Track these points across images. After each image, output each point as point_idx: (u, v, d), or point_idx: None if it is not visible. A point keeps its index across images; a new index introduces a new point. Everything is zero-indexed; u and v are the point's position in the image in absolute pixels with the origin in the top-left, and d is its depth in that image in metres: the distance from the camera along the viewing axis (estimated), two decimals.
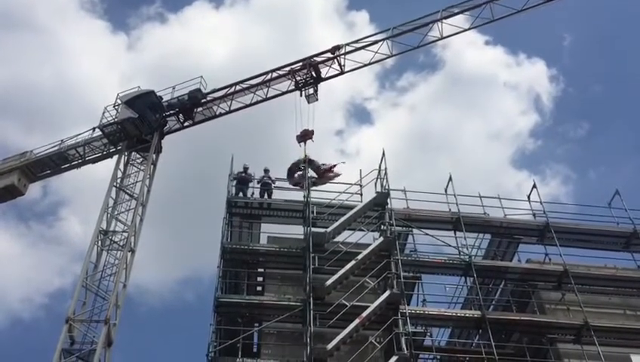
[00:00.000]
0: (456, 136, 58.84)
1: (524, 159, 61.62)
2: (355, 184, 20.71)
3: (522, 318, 18.72)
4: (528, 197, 22.16)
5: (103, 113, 22.57)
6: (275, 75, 23.41)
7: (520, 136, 63.54)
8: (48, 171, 23.39)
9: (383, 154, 20.94)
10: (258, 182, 21.16)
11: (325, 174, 21.69)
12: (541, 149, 62.91)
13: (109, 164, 22.56)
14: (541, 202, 21.68)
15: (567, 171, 63.16)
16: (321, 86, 23.76)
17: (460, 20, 24.05)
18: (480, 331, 18.58)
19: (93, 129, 22.74)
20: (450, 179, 21.42)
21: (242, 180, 21.12)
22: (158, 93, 23.05)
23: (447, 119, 59.33)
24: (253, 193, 21.10)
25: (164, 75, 50.06)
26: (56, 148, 22.86)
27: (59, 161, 23.09)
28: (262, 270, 19.99)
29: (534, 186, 22.21)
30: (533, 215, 21.58)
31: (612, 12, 55.25)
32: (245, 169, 21.35)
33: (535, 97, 63.98)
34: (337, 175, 21.83)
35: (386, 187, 20.22)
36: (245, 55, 55.89)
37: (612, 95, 59.88)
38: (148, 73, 54.88)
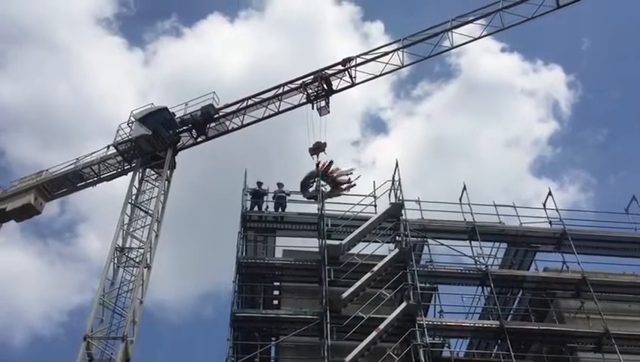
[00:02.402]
0: (474, 144, 58.69)
1: (544, 167, 61.21)
2: (369, 195, 20.70)
3: (541, 328, 18.53)
4: (544, 204, 21.98)
5: (117, 131, 22.84)
6: (286, 88, 23.52)
7: (538, 143, 63.08)
8: (64, 190, 23.65)
9: (397, 164, 20.99)
10: (273, 197, 21.19)
11: (340, 186, 21.66)
12: (560, 156, 62.53)
13: (126, 180, 22.78)
14: (557, 209, 21.52)
15: (587, 178, 62.64)
16: (334, 98, 23.86)
17: (471, 29, 24.05)
18: (499, 341, 18.42)
19: (108, 147, 23.00)
20: (465, 188, 21.34)
21: (257, 194, 21.15)
22: (171, 110, 23.24)
23: (464, 127, 59.14)
24: (267, 207, 21.13)
25: (181, 89, 50.59)
26: (71, 166, 23.13)
27: (74, 180, 23.33)
28: (278, 284, 19.96)
29: (550, 194, 22.04)
30: (550, 223, 21.38)
31: (629, 16, 54.62)
32: (259, 184, 21.38)
33: (553, 104, 63.65)
34: (352, 185, 21.82)
35: (400, 198, 20.17)
36: (261, 67, 56.26)
37: (631, 100, 59.22)
38: (164, 87, 55.47)
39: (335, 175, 21.67)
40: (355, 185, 21.87)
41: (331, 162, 21.87)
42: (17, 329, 53.78)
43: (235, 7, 79.85)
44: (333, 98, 23.79)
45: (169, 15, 72.97)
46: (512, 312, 20.89)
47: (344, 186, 21.75)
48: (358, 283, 17.45)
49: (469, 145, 58.44)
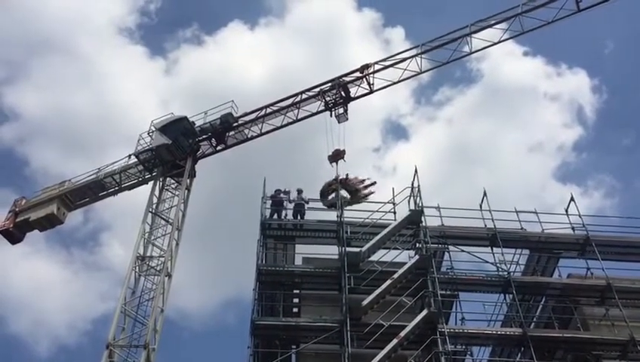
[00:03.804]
0: (496, 150, 58.06)
1: (569, 172, 60.31)
2: (388, 202, 20.57)
3: (565, 335, 18.25)
4: (566, 210, 21.66)
5: (138, 140, 23.10)
6: (304, 96, 23.57)
7: (563, 148, 62.22)
8: (86, 199, 23.94)
9: (416, 171, 20.85)
10: (291, 203, 21.20)
11: (359, 193, 21.62)
12: (585, 162, 61.60)
13: (148, 188, 22.95)
14: (580, 215, 21.21)
15: (613, 183, 61.59)
16: (354, 104, 23.87)
17: (491, 34, 23.85)
18: (522, 349, 18.17)
19: (129, 156, 23.25)
20: (485, 194, 21.13)
21: (277, 202, 21.18)
22: (190, 119, 23.43)
23: (486, 132, 58.55)
24: (286, 214, 21.14)
25: (202, 97, 50.81)
26: (93, 176, 23.40)
27: (96, 189, 23.61)
28: (298, 291, 19.93)
29: (572, 199, 21.73)
30: (573, 228, 21.06)
31: None
32: (279, 192, 21.41)
33: (577, 109, 62.81)
34: (371, 193, 21.78)
35: (420, 204, 20.05)
36: (282, 74, 56.35)
37: None
38: (185, 96, 55.84)
39: (354, 183, 21.63)
40: (374, 192, 21.85)
41: (347, 175, 21.88)
42: (43, 337, 54.48)
43: (255, 14, 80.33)
44: (352, 105, 23.82)
45: (190, 23, 73.50)
46: (535, 319, 20.59)
47: (365, 193, 21.69)
48: (379, 290, 17.36)
49: (491, 151, 57.93)
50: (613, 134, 62.47)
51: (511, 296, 19.10)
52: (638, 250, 21.06)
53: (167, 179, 22.91)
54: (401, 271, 17.90)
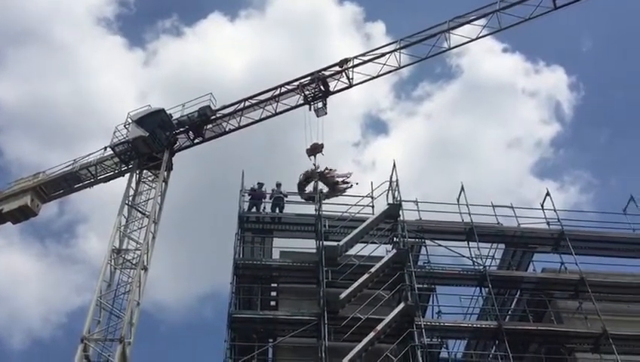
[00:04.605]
0: (475, 145, 58.42)
1: (546, 168, 60.93)
2: (366, 196, 20.66)
3: (539, 328, 18.51)
4: (542, 205, 21.95)
5: (114, 132, 22.78)
6: (283, 89, 23.47)
7: (541, 144, 62.77)
8: (61, 191, 23.56)
9: (394, 165, 20.96)
10: (270, 197, 21.16)
11: (337, 186, 21.65)
12: (562, 158, 62.32)
13: (125, 180, 22.67)
14: (555, 210, 21.50)
15: (589, 178, 62.44)
16: (334, 99, 23.85)
17: (470, 30, 23.98)
18: (497, 342, 18.39)
19: (105, 148, 22.94)
20: (463, 188, 21.35)
21: (255, 195, 21.12)
22: (168, 111, 23.20)
23: (465, 128, 58.74)
24: (265, 208, 21.10)
25: (181, 89, 50.27)
26: (68, 168, 23.04)
27: (71, 181, 23.24)
28: (275, 285, 19.93)
29: (548, 194, 22.03)
30: (548, 223, 21.36)
31: (630, 16, 54.09)
32: (260, 185, 21.35)
33: (555, 105, 63.47)
34: (349, 186, 21.81)
35: (398, 198, 20.15)
36: (262, 67, 55.89)
37: (633, 100, 58.76)
38: (165, 87, 55.24)
39: (330, 176, 21.64)
40: (351, 186, 21.88)
41: (329, 168, 21.90)
42: (16, 331, 53.73)
43: (236, 6, 79.81)
44: (332, 99, 23.80)
45: (169, 14, 72.98)
46: (509, 313, 20.87)
47: (342, 187, 21.73)
48: (356, 284, 17.42)
49: (470, 146, 58.18)
50: (590, 131, 63.32)
51: (486, 289, 19.33)
52: (610, 245, 21.42)
53: (144, 171, 22.64)
54: (378, 264, 18.00)
